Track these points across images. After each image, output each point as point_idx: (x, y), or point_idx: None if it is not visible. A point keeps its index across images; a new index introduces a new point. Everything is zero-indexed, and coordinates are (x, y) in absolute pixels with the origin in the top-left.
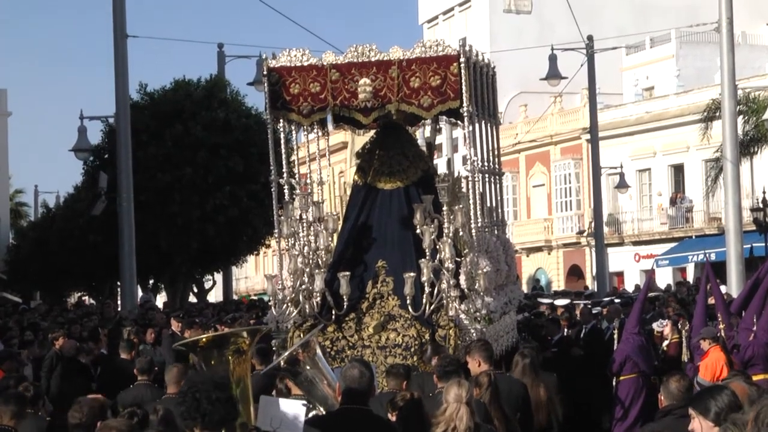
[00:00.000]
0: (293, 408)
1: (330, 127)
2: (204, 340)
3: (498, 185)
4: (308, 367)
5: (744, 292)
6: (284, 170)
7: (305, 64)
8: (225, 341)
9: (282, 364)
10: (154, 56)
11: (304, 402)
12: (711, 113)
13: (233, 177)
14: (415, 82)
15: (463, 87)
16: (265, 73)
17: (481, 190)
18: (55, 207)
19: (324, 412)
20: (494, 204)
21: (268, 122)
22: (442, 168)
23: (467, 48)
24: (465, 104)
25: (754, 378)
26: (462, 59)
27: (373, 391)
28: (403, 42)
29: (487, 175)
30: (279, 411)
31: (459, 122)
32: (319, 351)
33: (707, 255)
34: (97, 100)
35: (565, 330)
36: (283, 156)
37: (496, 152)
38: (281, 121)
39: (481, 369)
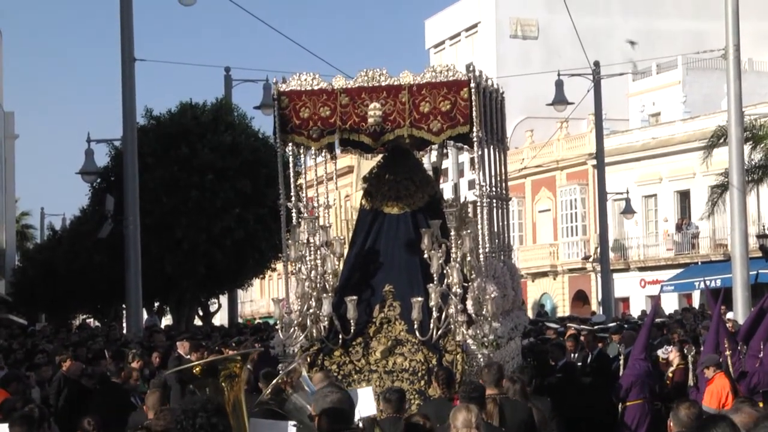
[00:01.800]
0: (284, 430)
1: (337, 151)
2: (197, 368)
3: (505, 211)
4: (292, 393)
5: (749, 320)
6: (292, 194)
7: (315, 88)
8: (216, 368)
9: (267, 396)
10: (162, 80)
11: (294, 423)
12: (716, 140)
13: (241, 200)
14: (425, 106)
15: (474, 112)
16: (275, 96)
17: (488, 215)
18: (61, 229)
19: None
20: (501, 229)
21: (277, 146)
22: (447, 193)
23: (477, 73)
24: (475, 130)
25: (760, 405)
26: (472, 84)
27: (354, 414)
28: (409, 67)
29: (494, 201)
30: None
31: (466, 147)
32: (304, 372)
33: (706, 283)
34: (105, 123)
35: (572, 354)
36: (291, 179)
37: (503, 177)
38: (290, 144)
39: (487, 393)
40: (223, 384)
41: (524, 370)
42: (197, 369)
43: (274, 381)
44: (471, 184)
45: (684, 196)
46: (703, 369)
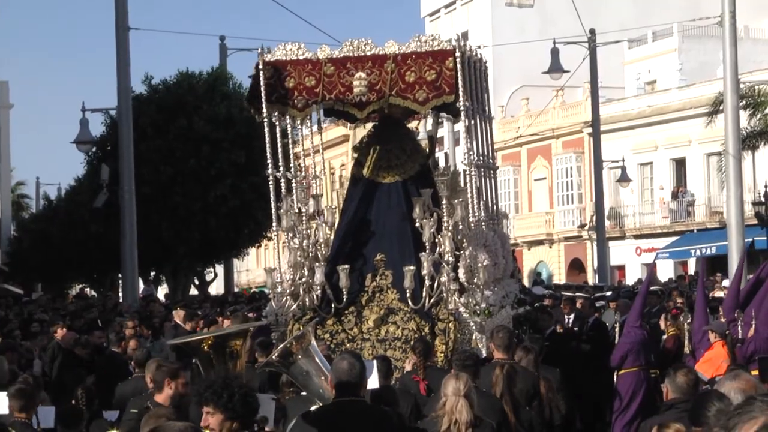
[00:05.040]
0: (263, 401)
1: (325, 122)
2: (205, 342)
3: (493, 180)
4: (301, 358)
5: (746, 288)
6: (281, 164)
7: (300, 58)
8: (221, 344)
9: (275, 357)
10: (156, 49)
11: (274, 396)
12: (717, 106)
13: (236, 169)
14: (411, 76)
15: (459, 81)
16: (260, 67)
17: (477, 184)
18: (56, 199)
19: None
20: (490, 198)
21: (264, 116)
22: (443, 161)
23: (462, 43)
24: (462, 99)
25: (753, 373)
26: (457, 54)
27: (365, 382)
28: (405, 36)
29: (482, 169)
30: None
31: (451, 117)
32: (313, 342)
33: (702, 252)
34: (99, 93)
35: (567, 317)
36: (279, 149)
37: (490, 146)
38: (275, 114)
39: (495, 357)
40: (227, 362)
41: (536, 340)
42: (205, 343)
43: (283, 344)
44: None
45: (680, 164)
46: (707, 331)
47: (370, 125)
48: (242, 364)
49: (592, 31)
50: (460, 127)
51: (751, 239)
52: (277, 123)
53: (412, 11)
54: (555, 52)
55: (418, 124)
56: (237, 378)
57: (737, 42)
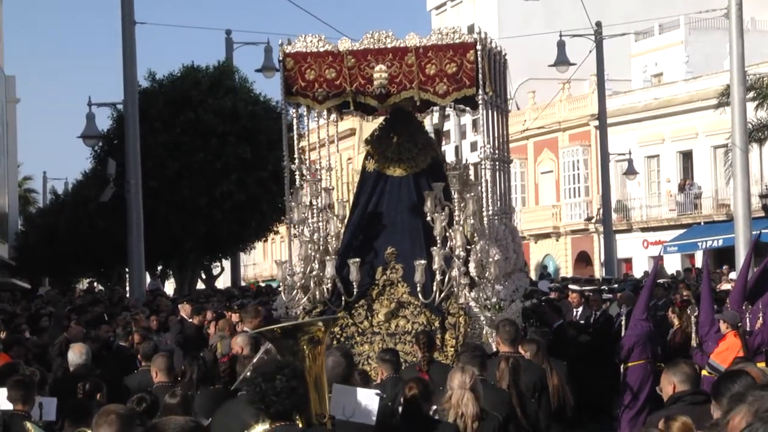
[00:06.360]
0: (367, 397)
1: (333, 115)
2: (278, 330)
3: (506, 173)
4: None
5: (752, 280)
6: (296, 156)
7: (321, 50)
8: (299, 331)
9: (248, 374)
10: (163, 43)
11: (378, 392)
12: (725, 97)
13: (241, 164)
14: (431, 69)
15: (480, 75)
16: (280, 58)
17: (489, 177)
18: (63, 193)
19: None
20: (503, 192)
21: (280, 108)
22: (450, 155)
23: (483, 35)
24: (481, 92)
25: (759, 365)
26: (478, 47)
27: (352, 377)
28: (410, 29)
29: (497, 163)
30: (352, 400)
31: (468, 109)
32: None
33: (710, 244)
34: (106, 87)
35: (575, 310)
36: (295, 142)
37: (505, 140)
38: (296, 106)
39: (501, 351)
40: (305, 347)
41: (542, 334)
42: (279, 331)
43: (256, 358)
44: (473, 146)
45: (686, 157)
46: (716, 322)
47: (381, 119)
48: (322, 351)
49: (599, 24)
50: (467, 120)
51: (758, 232)
52: (293, 116)
53: (418, 4)
54: (561, 45)
55: (424, 117)
56: (277, 373)
57: (744, 34)
